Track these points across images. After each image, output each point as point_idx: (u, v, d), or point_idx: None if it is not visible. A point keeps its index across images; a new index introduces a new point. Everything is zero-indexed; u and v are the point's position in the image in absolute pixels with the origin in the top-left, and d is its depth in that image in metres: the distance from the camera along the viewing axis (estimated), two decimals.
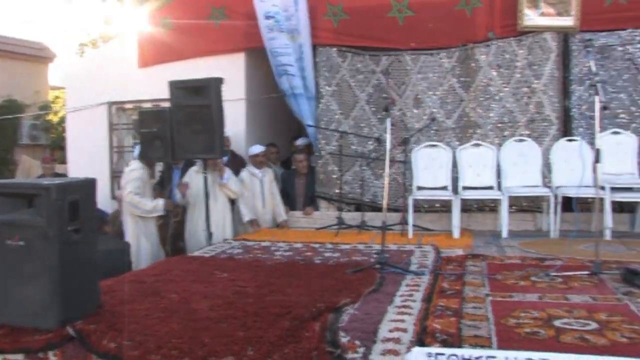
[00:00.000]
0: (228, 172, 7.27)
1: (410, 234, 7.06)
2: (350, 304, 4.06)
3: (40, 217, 3.60)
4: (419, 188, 7.52)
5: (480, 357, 2.71)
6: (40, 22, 36.22)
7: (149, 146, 6.86)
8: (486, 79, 7.80)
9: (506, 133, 7.73)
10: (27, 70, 14.74)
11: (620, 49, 7.53)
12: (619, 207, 7.34)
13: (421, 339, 3.29)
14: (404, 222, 7.30)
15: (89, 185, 4.02)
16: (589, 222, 6.60)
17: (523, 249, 6.25)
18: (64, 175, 9.22)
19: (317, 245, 6.55)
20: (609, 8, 7.52)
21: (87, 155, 9.30)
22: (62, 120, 12.71)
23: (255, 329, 3.52)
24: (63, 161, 11.02)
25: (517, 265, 5.33)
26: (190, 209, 7.32)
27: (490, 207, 7.70)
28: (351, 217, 7.98)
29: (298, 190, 8.45)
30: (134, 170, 7.06)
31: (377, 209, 7.82)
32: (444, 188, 7.48)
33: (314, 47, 8.30)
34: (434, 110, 7.96)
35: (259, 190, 7.91)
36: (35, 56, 15.15)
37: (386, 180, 5.55)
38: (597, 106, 5.14)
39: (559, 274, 4.82)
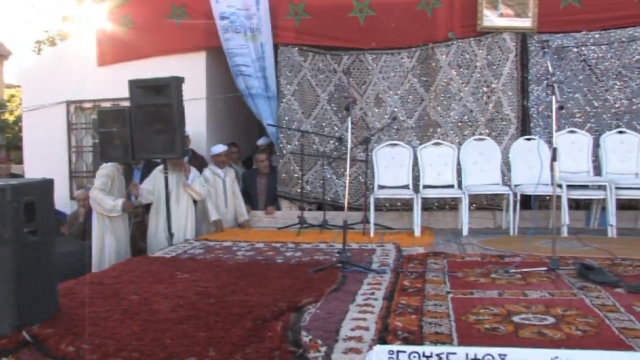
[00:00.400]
0: (193, 173, 7.18)
1: (372, 233, 7.09)
2: (312, 303, 4.07)
3: None
4: (380, 187, 7.56)
5: (441, 354, 2.73)
6: None
7: (109, 146, 6.75)
8: (446, 78, 7.88)
9: (466, 132, 7.83)
10: None
11: (575, 50, 7.69)
12: (575, 205, 7.49)
13: (383, 337, 3.32)
14: (366, 221, 7.34)
15: (46, 186, 3.95)
16: (546, 219, 6.74)
17: (483, 246, 6.33)
18: (20, 176, 9.03)
19: (278, 245, 6.55)
20: (564, 10, 7.67)
21: (44, 155, 9.12)
22: (18, 119, 12.48)
23: (217, 330, 3.50)
24: (19, 161, 10.81)
25: (477, 262, 5.40)
26: (152, 210, 7.24)
27: (451, 205, 7.79)
28: (313, 216, 7.99)
29: (259, 190, 8.44)
30: (104, 167, 7.00)
31: (339, 208, 7.85)
32: (405, 187, 7.53)
33: (276, 47, 8.29)
34: (395, 109, 8.02)
35: (221, 189, 7.87)
36: None
37: (347, 180, 5.59)
38: (554, 106, 5.24)
39: (517, 270, 4.90)
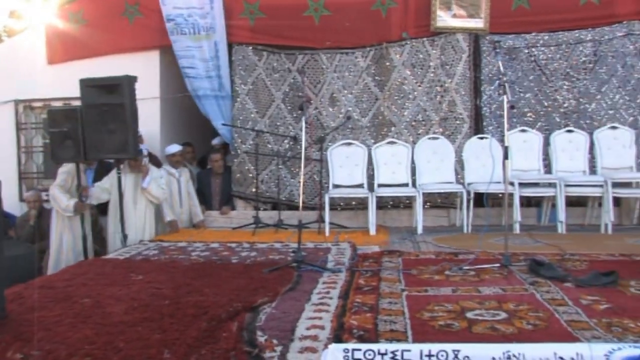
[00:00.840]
0: (150, 177, 7.06)
1: (327, 232, 7.10)
2: (268, 303, 4.06)
3: None
4: (335, 186, 7.58)
5: (396, 351, 2.75)
6: None
7: (60, 146, 6.62)
8: (400, 78, 7.94)
9: (420, 131, 7.91)
10: None
11: (525, 51, 7.85)
12: (527, 202, 7.64)
13: (338, 336, 3.33)
14: (321, 220, 7.36)
15: None
16: (499, 217, 6.83)
17: (437, 244, 6.40)
18: None
19: (234, 245, 6.51)
20: (515, 12, 7.83)
21: None
22: None
23: (171, 331, 3.46)
24: None
25: (431, 260, 5.46)
26: (110, 210, 7.11)
27: (405, 203, 7.85)
28: (268, 215, 7.97)
29: (214, 190, 8.38)
30: (66, 164, 6.88)
31: (294, 207, 7.85)
32: (360, 186, 7.57)
33: (230, 46, 8.24)
34: (350, 108, 8.05)
35: (176, 190, 7.79)
36: None
37: (301, 179, 5.59)
38: (506, 105, 5.33)
39: (471, 267, 4.98)
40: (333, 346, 2.82)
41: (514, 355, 2.71)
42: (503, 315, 3.69)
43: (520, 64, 7.85)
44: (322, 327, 3.53)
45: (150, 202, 7.17)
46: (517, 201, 7.01)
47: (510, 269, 4.92)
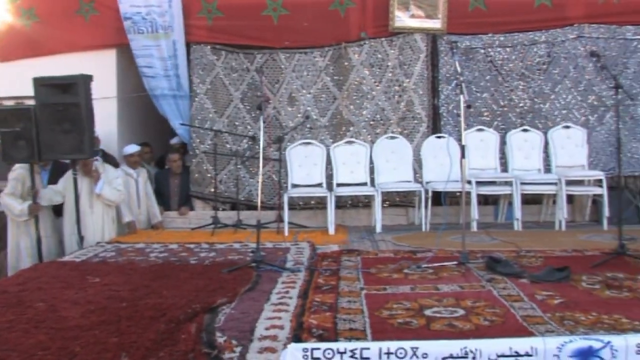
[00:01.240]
0: (102, 180, 6.88)
1: (286, 232, 7.08)
2: (227, 304, 4.04)
3: None
4: (294, 186, 7.57)
5: (355, 349, 2.77)
6: None
7: (12, 147, 6.46)
8: (359, 77, 7.97)
9: (378, 130, 7.95)
10: None
11: (482, 51, 7.95)
12: (484, 200, 7.76)
13: (298, 335, 3.33)
14: (280, 219, 7.34)
15: None
16: (457, 215, 6.93)
17: (396, 242, 6.44)
18: None
19: (192, 246, 6.45)
20: (472, 13, 7.94)
21: None
22: None
23: (129, 334, 3.41)
24: None
25: (390, 258, 5.49)
26: (66, 212, 6.96)
27: (364, 203, 7.88)
28: (227, 216, 7.92)
29: (172, 190, 8.28)
30: (14, 170, 6.74)
31: (253, 207, 7.81)
32: (319, 185, 7.58)
33: (188, 45, 8.16)
34: (308, 108, 8.04)
35: (134, 190, 7.67)
36: None
37: (260, 179, 5.57)
38: (463, 105, 5.40)
39: (429, 265, 5.02)
40: (292, 346, 2.81)
41: (471, 351, 2.75)
42: (461, 312, 3.74)
43: (476, 64, 7.96)
44: (281, 327, 3.52)
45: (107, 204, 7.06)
46: (474, 199, 7.11)
47: (467, 267, 4.98)
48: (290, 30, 8.03)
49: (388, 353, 2.75)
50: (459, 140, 5.75)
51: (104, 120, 7.60)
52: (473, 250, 5.53)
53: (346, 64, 7.97)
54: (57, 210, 7.09)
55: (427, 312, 3.74)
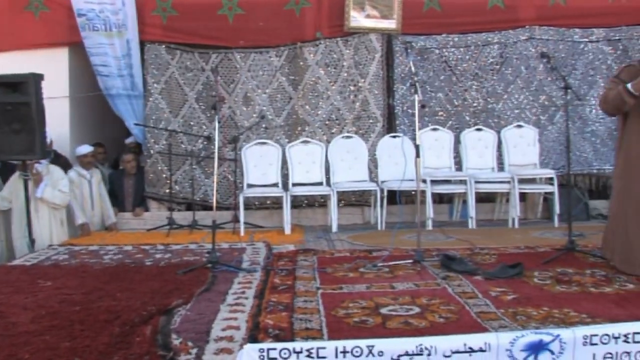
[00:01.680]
0: (44, 183, 6.72)
1: (242, 232, 7.06)
2: (182, 305, 4.00)
3: None
4: (250, 186, 7.53)
5: (311, 349, 2.75)
6: None
7: None
8: (314, 77, 7.97)
9: (334, 130, 7.96)
10: None
11: (437, 51, 8.03)
12: (439, 199, 7.84)
13: (254, 336, 3.33)
14: (236, 220, 7.30)
15: None
16: (412, 214, 6.99)
17: (352, 242, 6.47)
18: None
19: (147, 247, 6.37)
20: (426, 13, 8.02)
21: None
22: None
23: (81, 338, 3.34)
24: None
25: (346, 258, 5.51)
26: (14, 216, 6.79)
27: (320, 202, 7.89)
28: (182, 216, 7.84)
29: (127, 191, 8.15)
30: None
31: (209, 207, 7.73)
32: (275, 185, 7.56)
33: (142, 44, 8.03)
34: (264, 108, 8.01)
35: (87, 191, 7.54)
36: None
37: (215, 179, 5.54)
38: (417, 105, 5.45)
39: (385, 264, 5.06)
40: (248, 346, 2.79)
41: (426, 348, 2.77)
42: (416, 309, 3.78)
43: (431, 64, 8.04)
44: (237, 328, 3.51)
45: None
46: (429, 198, 7.19)
47: (423, 265, 5.04)
48: (246, 30, 7.98)
49: (344, 352, 2.75)
50: (414, 139, 5.79)
51: (55, 120, 7.42)
52: (428, 248, 5.61)
53: (301, 63, 7.97)
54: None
55: (383, 311, 3.76)
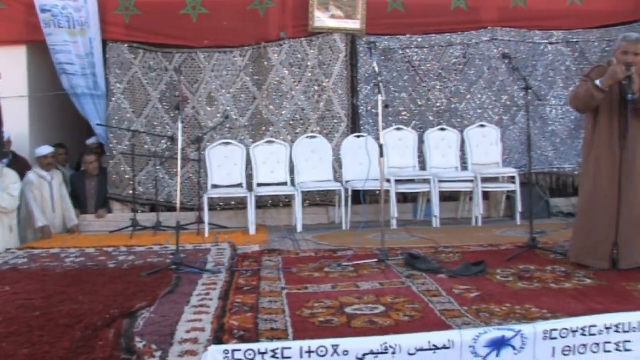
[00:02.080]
0: None
1: (207, 233, 7.00)
2: (146, 308, 3.96)
3: None
4: (214, 186, 7.49)
5: (276, 349, 2.75)
6: None
7: None
8: (278, 77, 7.96)
9: (298, 130, 7.96)
10: None
11: (400, 52, 8.09)
12: (403, 198, 7.89)
13: (219, 337, 3.31)
14: (200, 221, 7.24)
15: None
16: (377, 213, 7.00)
17: (317, 241, 6.48)
18: None
19: (110, 249, 6.27)
20: (390, 14, 8.08)
21: None
22: None
23: (41, 345, 3.27)
24: None
25: (311, 257, 5.52)
26: None
27: (285, 202, 7.88)
28: (146, 218, 7.75)
29: (89, 193, 8.03)
30: None
31: (173, 209, 7.64)
32: (239, 185, 7.53)
33: (105, 43, 7.92)
34: (228, 108, 7.97)
35: (48, 193, 7.38)
36: None
37: (179, 180, 5.48)
38: (381, 105, 5.48)
39: (350, 263, 5.07)
40: (213, 348, 2.77)
41: (391, 347, 2.79)
42: (381, 308, 3.80)
43: (395, 64, 8.09)
44: (202, 329, 3.48)
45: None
46: (393, 198, 7.23)
47: (387, 264, 5.07)
48: (210, 30, 7.94)
49: (309, 352, 2.76)
50: (378, 139, 5.83)
51: (14, 120, 7.31)
52: (393, 247, 5.65)
53: (266, 63, 7.95)
54: None
55: (348, 310, 3.77)
